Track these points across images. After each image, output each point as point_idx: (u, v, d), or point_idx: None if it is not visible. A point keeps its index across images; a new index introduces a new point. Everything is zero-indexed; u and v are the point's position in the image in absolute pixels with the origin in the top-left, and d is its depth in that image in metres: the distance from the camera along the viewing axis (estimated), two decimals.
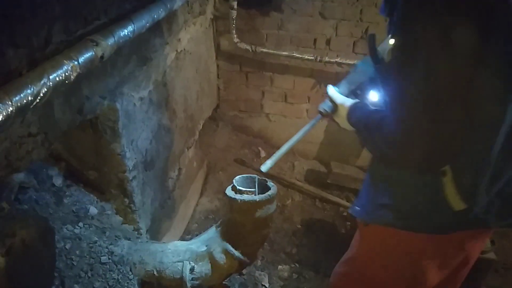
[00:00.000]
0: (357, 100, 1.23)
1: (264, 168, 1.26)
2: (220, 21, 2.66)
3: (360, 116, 1.14)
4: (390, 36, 0.98)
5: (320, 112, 1.32)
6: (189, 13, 2.05)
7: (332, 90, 1.30)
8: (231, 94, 2.98)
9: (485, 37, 0.82)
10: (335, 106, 1.28)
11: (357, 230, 1.34)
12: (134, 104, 1.55)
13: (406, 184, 1.06)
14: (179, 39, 1.98)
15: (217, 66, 2.87)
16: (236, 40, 2.61)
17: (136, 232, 1.75)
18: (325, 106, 1.31)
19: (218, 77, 2.92)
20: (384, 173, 1.13)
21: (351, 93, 1.31)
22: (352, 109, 1.19)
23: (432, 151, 0.90)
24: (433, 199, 1.00)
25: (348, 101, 1.23)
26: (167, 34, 1.77)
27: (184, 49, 2.08)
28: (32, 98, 0.71)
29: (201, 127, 2.61)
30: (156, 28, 1.49)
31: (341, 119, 1.25)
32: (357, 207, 1.24)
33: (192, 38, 2.18)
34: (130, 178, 1.61)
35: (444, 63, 0.84)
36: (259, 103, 2.96)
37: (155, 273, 1.51)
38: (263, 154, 3.02)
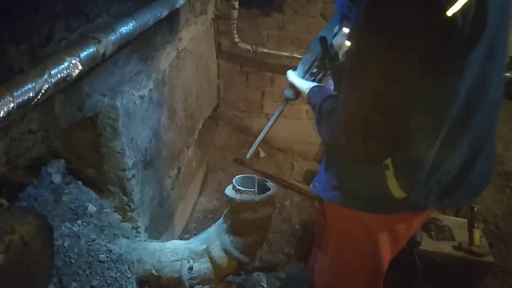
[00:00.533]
0: (314, 85, 1.29)
1: (248, 156, 1.42)
2: (221, 20, 2.66)
3: (314, 102, 1.19)
4: (345, 33, 1.06)
5: (285, 98, 1.41)
6: (190, 12, 2.05)
7: (291, 76, 1.39)
8: (231, 94, 2.98)
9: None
10: (296, 90, 1.37)
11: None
12: (135, 102, 1.55)
13: (352, 171, 1.14)
14: (180, 38, 1.98)
15: (218, 65, 2.87)
16: (237, 40, 2.61)
17: (135, 231, 1.74)
18: (288, 92, 1.40)
19: (218, 76, 2.92)
20: (336, 158, 1.21)
21: (306, 73, 1.38)
22: (310, 94, 1.26)
23: (372, 146, 0.96)
24: (376, 187, 1.08)
25: (306, 85, 1.31)
26: (168, 33, 1.77)
27: (185, 48, 2.07)
28: (33, 95, 0.71)
29: (201, 126, 2.61)
30: (158, 27, 1.49)
31: (305, 100, 1.32)
32: (316, 183, 1.32)
33: (193, 37, 2.18)
34: (129, 177, 1.60)
35: (399, 69, 0.85)
36: (259, 103, 2.96)
37: (154, 272, 1.51)
38: (262, 154, 3.02)
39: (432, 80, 0.87)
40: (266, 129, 1.42)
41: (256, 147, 1.41)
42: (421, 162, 1.00)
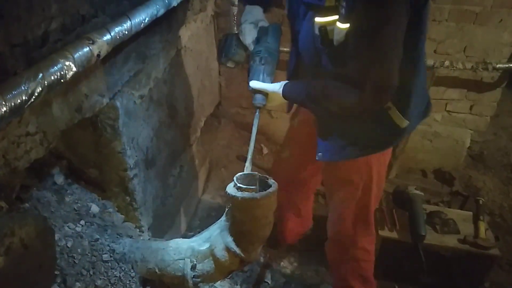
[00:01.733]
0: (284, 82, 1.44)
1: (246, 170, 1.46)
2: (221, 17, 2.65)
3: (297, 93, 1.40)
4: (317, 21, 1.22)
5: (258, 108, 1.50)
6: (189, 10, 2.04)
7: (256, 83, 1.50)
8: (233, 91, 2.97)
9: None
10: (266, 95, 1.49)
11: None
12: (134, 102, 1.55)
13: (360, 124, 1.38)
14: (180, 36, 1.97)
15: (219, 63, 2.86)
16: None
17: (138, 230, 1.75)
18: (258, 100, 1.50)
19: (219, 74, 2.91)
20: (337, 123, 1.44)
21: (263, 75, 1.52)
22: (286, 90, 1.42)
23: (387, 96, 1.19)
24: (385, 127, 1.37)
25: (276, 86, 1.45)
26: (166, 31, 1.77)
27: (185, 46, 2.07)
28: (26, 97, 0.71)
29: (202, 124, 2.61)
30: (155, 25, 1.48)
31: (275, 101, 1.49)
32: (320, 153, 1.53)
33: (192, 35, 2.17)
34: (131, 176, 1.61)
35: (400, 26, 1.10)
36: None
37: (157, 270, 1.51)
38: (265, 151, 3.01)
39: (412, 29, 1.15)
40: (252, 144, 1.47)
41: (251, 159, 1.47)
42: (408, 92, 1.32)
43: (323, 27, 1.20)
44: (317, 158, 1.55)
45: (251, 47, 1.58)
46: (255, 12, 1.62)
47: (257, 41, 1.57)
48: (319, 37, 1.24)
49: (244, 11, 1.65)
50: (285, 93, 1.43)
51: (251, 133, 1.49)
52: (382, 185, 1.67)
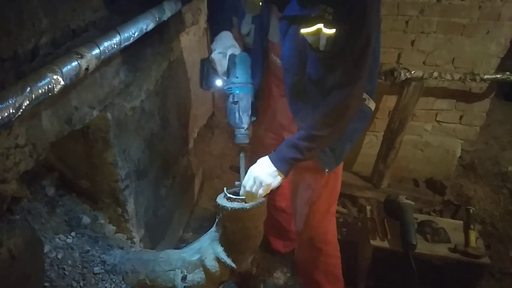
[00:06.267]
0: (269, 159, 1.43)
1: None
2: None
3: (292, 154, 1.39)
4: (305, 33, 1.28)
5: (241, 147, 1.54)
6: (181, 23, 2.07)
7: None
8: None
9: None
10: (246, 134, 1.53)
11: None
12: (126, 114, 1.56)
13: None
14: (172, 49, 2.00)
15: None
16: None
17: (130, 241, 1.75)
18: (240, 139, 1.52)
19: None
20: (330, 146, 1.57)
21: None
22: (277, 159, 1.42)
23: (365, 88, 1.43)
24: (364, 111, 1.57)
25: (270, 168, 1.42)
26: (158, 44, 1.79)
27: (177, 58, 2.09)
28: (14, 111, 0.72)
29: (196, 135, 2.63)
30: (146, 39, 1.50)
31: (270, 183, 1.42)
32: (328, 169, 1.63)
33: (185, 48, 2.20)
34: (122, 187, 1.62)
35: (376, 31, 1.29)
36: None
37: (148, 282, 1.51)
38: None
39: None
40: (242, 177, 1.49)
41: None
42: (374, 80, 1.57)
43: (315, 35, 1.25)
44: (327, 172, 1.63)
45: (224, 77, 1.58)
46: (224, 39, 1.59)
47: (228, 73, 1.55)
48: (309, 45, 1.28)
49: (215, 39, 1.62)
50: (278, 162, 1.41)
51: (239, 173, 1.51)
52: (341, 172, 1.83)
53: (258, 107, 1.68)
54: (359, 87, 1.35)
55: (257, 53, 1.57)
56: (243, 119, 1.50)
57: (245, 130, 1.52)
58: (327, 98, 1.34)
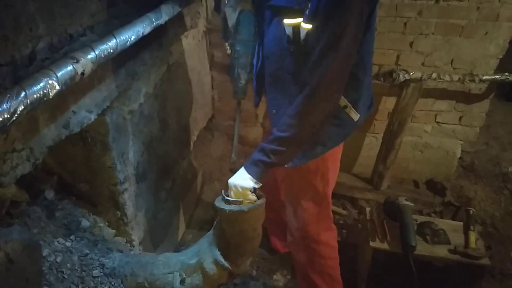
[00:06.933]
0: (244, 169, 1.45)
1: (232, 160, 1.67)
2: (214, 33, 2.70)
3: (264, 158, 1.39)
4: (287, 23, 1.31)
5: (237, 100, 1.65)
6: (180, 26, 2.08)
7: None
8: (226, 104, 3.01)
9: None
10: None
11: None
12: (124, 117, 1.57)
13: (327, 122, 1.48)
14: (171, 52, 2.01)
15: (211, 77, 2.90)
16: (229, 51, 2.63)
17: (129, 244, 1.76)
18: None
19: (212, 88, 2.95)
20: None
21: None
22: (250, 166, 1.43)
23: (338, 96, 1.39)
24: (343, 120, 1.52)
25: (244, 174, 1.43)
26: (157, 48, 1.80)
27: (176, 61, 2.10)
28: (8, 116, 0.73)
29: (195, 138, 2.63)
30: (144, 42, 1.51)
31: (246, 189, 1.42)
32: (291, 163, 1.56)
33: (184, 51, 2.21)
34: (122, 191, 1.62)
35: (358, 30, 1.24)
36: (253, 113, 2.98)
37: (146, 285, 1.51)
38: None
39: (364, 33, 1.30)
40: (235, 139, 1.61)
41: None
42: (360, 90, 1.48)
43: (296, 28, 1.29)
44: (286, 166, 1.56)
45: (232, 31, 1.62)
46: None
47: (234, 28, 1.59)
48: (288, 37, 1.32)
49: None
50: (252, 169, 1.42)
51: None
52: (336, 175, 1.80)
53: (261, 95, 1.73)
54: (326, 90, 1.29)
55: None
56: (241, 75, 1.58)
57: (243, 85, 1.61)
58: (296, 99, 1.34)
